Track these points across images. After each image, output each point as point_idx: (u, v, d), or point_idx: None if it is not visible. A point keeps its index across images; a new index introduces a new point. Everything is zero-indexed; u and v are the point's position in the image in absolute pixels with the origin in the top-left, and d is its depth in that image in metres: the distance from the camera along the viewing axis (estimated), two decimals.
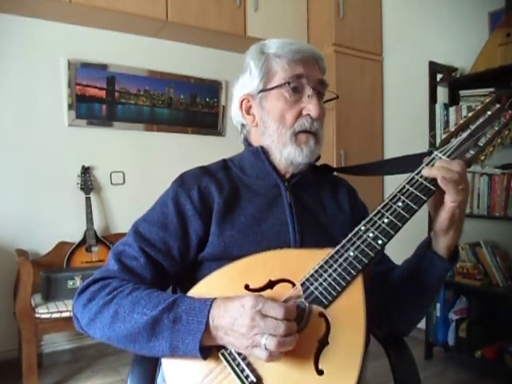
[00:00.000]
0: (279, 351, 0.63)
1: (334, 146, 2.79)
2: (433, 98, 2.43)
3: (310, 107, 0.85)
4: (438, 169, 0.70)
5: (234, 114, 0.96)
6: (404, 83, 2.90)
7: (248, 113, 0.92)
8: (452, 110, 2.35)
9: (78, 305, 0.79)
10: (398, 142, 2.96)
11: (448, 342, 2.33)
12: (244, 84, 0.92)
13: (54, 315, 1.97)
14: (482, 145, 0.73)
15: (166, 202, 0.86)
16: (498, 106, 0.75)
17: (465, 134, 0.74)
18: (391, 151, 3.00)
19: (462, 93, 2.33)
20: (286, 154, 0.87)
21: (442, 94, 2.49)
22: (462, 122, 0.76)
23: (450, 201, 0.70)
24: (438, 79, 2.45)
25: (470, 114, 0.76)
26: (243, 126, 0.97)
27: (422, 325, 2.33)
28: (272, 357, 0.63)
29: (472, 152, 0.73)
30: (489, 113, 0.75)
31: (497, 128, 0.73)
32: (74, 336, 2.46)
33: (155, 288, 0.78)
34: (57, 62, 2.47)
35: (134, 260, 0.80)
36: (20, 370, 1.95)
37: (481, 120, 0.75)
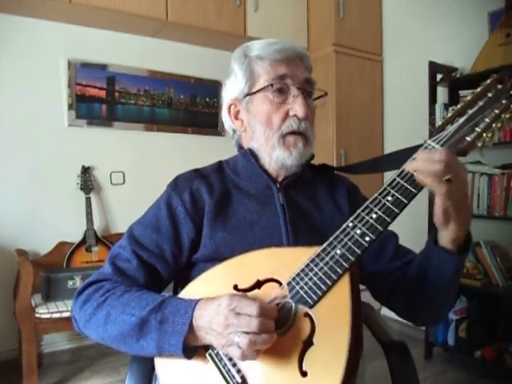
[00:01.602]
0: (252, 349, 0.61)
1: (334, 146, 2.79)
2: (433, 98, 2.43)
3: (296, 107, 0.83)
4: (421, 161, 0.64)
5: (225, 120, 0.95)
6: (404, 83, 2.90)
7: (236, 118, 0.91)
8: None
9: (75, 307, 0.80)
10: (397, 141, 2.96)
11: (448, 342, 2.33)
12: (230, 88, 0.91)
13: (54, 315, 1.97)
14: (479, 130, 0.65)
15: (159, 205, 0.87)
16: (499, 86, 0.67)
17: (461, 120, 0.67)
18: (391, 151, 2.99)
19: (462, 93, 2.32)
20: (276, 157, 0.85)
21: (442, 93, 2.49)
22: (459, 106, 0.68)
23: (435, 194, 0.65)
24: (438, 79, 2.45)
25: (469, 98, 0.68)
26: (234, 131, 0.95)
27: None
28: (245, 355, 0.61)
29: (468, 138, 0.66)
30: (489, 95, 0.67)
31: (497, 111, 0.65)
32: (73, 336, 2.46)
33: (149, 290, 0.78)
34: (57, 62, 2.47)
35: (127, 262, 0.81)
36: (20, 370, 1.95)
37: (480, 103, 0.67)
